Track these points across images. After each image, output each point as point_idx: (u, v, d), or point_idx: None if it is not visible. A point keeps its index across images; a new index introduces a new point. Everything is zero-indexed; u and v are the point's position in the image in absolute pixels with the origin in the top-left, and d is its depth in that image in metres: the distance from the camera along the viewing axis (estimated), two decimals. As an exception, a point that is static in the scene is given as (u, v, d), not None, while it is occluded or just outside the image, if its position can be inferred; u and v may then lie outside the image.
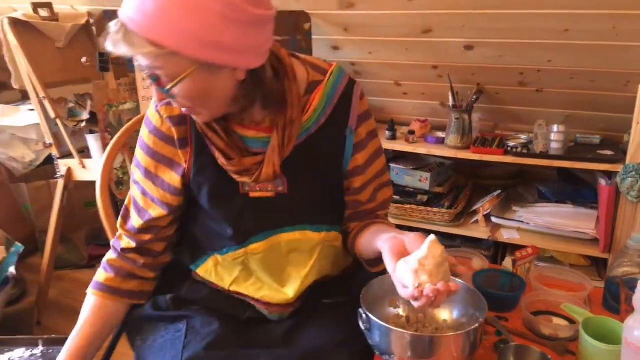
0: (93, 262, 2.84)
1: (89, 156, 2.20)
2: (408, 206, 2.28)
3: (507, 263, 1.36)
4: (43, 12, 2.21)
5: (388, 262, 0.92)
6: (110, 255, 1.14)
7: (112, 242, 1.16)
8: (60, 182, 2.22)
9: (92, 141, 2.15)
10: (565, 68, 1.89)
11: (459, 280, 1.11)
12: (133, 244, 1.11)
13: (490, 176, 2.52)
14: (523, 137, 2.18)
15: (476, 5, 1.71)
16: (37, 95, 2.11)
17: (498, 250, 2.26)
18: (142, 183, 1.09)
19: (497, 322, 1.16)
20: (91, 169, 2.16)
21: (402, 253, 0.91)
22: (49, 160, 2.73)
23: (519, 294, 1.22)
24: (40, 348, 1.30)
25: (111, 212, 1.34)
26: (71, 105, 2.22)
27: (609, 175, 1.93)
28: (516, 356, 1.01)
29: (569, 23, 1.67)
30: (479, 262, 1.42)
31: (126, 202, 1.14)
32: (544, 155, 2.01)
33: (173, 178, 1.06)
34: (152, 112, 1.04)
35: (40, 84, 2.07)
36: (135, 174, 1.10)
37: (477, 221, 2.25)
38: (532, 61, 1.91)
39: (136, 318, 1.20)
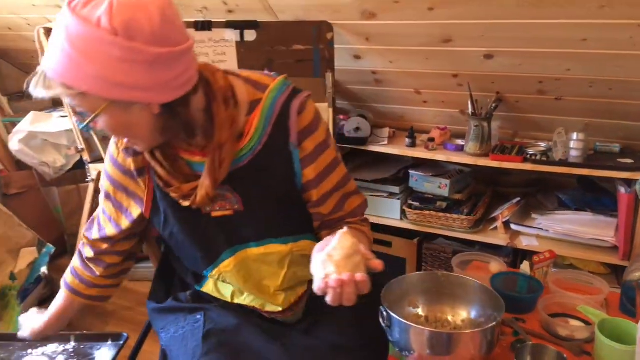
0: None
1: (118, 161, 2.27)
2: (427, 212, 2.31)
3: (525, 267, 1.39)
4: (77, 23, 2.30)
5: (312, 259, 0.94)
6: (76, 260, 1.29)
7: (78, 245, 1.29)
8: (91, 186, 2.31)
9: (122, 147, 2.22)
10: (584, 77, 1.91)
11: (477, 281, 1.15)
12: (92, 253, 1.23)
13: (510, 184, 2.53)
14: (542, 145, 2.20)
15: (496, 15, 1.74)
16: (71, 103, 2.20)
17: (517, 257, 2.27)
18: (102, 202, 1.19)
19: (514, 323, 1.19)
20: (120, 174, 2.24)
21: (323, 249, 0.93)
22: (79, 165, 2.84)
23: (536, 296, 1.25)
24: (72, 344, 1.37)
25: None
26: (102, 112, 2.31)
27: (629, 183, 1.94)
28: (533, 355, 1.04)
29: (588, 32, 1.69)
30: (497, 265, 1.45)
31: (95, 213, 1.25)
32: (563, 162, 2.03)
33: (132, 207, 1.16)
34: (112, 142, 1.13)
35: (74, 91, 2.16)
36: (101, 192, 1.20)
37: (496, 228, 2.26)
38: (551, 70, 1.93)
39: (158, 310, 1.27)
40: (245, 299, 1.18)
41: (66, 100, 0.93)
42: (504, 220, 2.23)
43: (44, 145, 2.80)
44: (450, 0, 1.74)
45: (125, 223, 1.18)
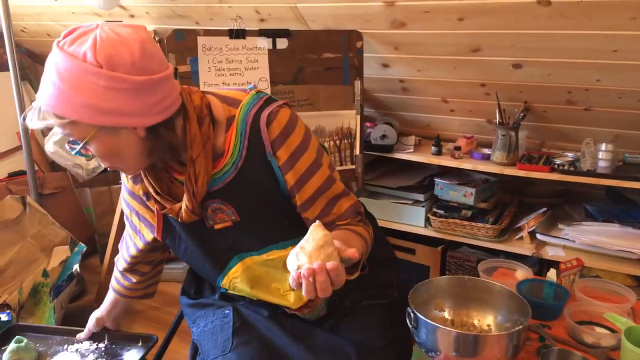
0: (147, 265, 2.98)
1: (150, 163, 2.34)
2: (452, 220, 2.32)
3: (552, 274, 1.39)
4: (114, 30, 2.38)
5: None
6: (115, 271, 1.46)
7: (115, 259, 1.45)
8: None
9: (154, 149, 2.29)
10: (614, 87, 1.90)
11: (504, 286, 1.16)
12: (125, 265, 1.40)
13: (536, 194, 2.52)
14: (570, 155, 2.19)
15: (525, 25, 1.76)
16: (106, 106, 2.27)
17: (542, 267, 2.26)
18: (125, 223, 1.34)
19: (540, 329, 1.20)
20: (152, 176, 2.30)
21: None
22: (111, 167, 2.91)
23: (562, 303, 1.26)
24: (105, 342, 1.43)
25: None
26: (136, 115, 2.38)
27: (658, 195, 1.93)
28: (558, 360, 1.05)
29: (618, 44, 1.69)
30: (523, 273, 1.46)
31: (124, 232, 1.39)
32: (591, 173, 2.02)
33: (144, 230, 1.27)
34: (122, 173, 1.22)
35: (110, 95, 2.23)
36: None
37: (521, 237, 2.26)
38: (581, 80, 1.93)
39: (190, 305, 1.32)
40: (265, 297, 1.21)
41: (59, 130, 1.01)
42: (530, 230, 2.23)
43: (78, 147, 2.89)
44: (480, 10, 1.76)
45: (140, 244, 1.30)
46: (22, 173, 2.79)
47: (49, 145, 2.86)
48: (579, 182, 2.07)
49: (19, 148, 2.82)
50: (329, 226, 1.11)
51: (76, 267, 2.33)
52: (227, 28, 2.05)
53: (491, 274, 1.47)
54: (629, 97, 1.92)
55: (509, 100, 2.16)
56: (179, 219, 1.11)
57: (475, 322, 1.19)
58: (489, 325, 1.17)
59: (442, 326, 1.02)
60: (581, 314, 1.24)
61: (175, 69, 1.98)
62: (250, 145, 1.08)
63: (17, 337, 1.37)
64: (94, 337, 1.45)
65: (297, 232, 1.12)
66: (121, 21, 2.46)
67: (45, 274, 2.25)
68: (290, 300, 1.17)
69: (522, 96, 2.14)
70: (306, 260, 0.86)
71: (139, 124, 0.99)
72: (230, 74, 2.06)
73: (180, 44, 1.98)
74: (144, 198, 1.18)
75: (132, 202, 1.24)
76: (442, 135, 2.43)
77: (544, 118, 2.22)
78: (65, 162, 2.87)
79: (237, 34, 2.03)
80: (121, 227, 2.48)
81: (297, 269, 0.86)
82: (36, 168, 2.83)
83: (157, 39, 2.58)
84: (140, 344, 1.42)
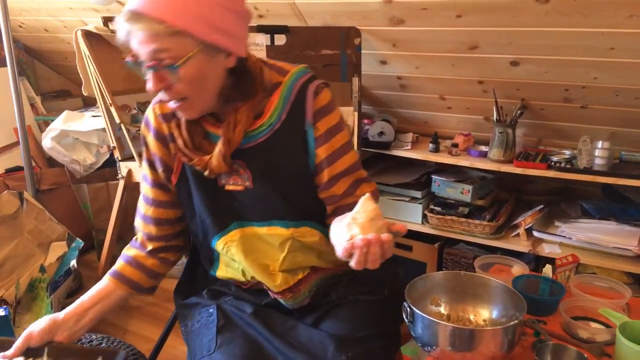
0: (144, 262, 2.98)
1: (148, 159, 2.34)
2: (449, 217, 2.33)
3: (547, 270, 1.40)
4: (112, 26, 2.38)
5: (331, 229, 0.97)
6: (133, 251, 1.26)
7: (132, 243, 1.29)
8: (121, 183, 2.38)
9: (152, 145, 2.29)
10: (611, 85, 1.91)
11: (499, 281, 1.17)
12: (150, 247, 1.25)
13: (533, 191, 2.53)
14: (567, 153, 2.20)
15: (523, 22, 1.76)
16: (104, 102, 2.27)
17: (538, 264, 2.27)
18: (143, 170, 1.23)
19: (536, 324, 1.21)
20: (150, 172, 2.30)
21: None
22: (108, 163, 2.91)
23: (558, 298, 1.27)
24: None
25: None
26: (134, 112, 2.38)
27: (654, 192, 1.94)
28: (553, 355, 1.06)
29: (615, 41, 1.70)
30: (519, 269, 1.47)
31: (144, 212, 1.25)
32: (588, 170, 2.03)
33: (158, 166, 1.18)
34: (149, 109, 1.18)
35: (108, 91, 2.23)
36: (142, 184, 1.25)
37: (518, 235, 2.27)
38: (578, 78, 1.93)
39: (181, 306, 1.31)
40: (252, 278, 1.19)
41: (147, 49, 0.93)
42: (527, 227, 2.24)
43: (75, 143, 2.89)
44: (478, 7, 1.76)
45: (163, 197, 1.21)
46: (19, 169, 2.79)
47: (47, 141, 2.86)
48: (575, 180, 2.08)
49: (16, 144, 2.81)
50: (349, 208, 1.09)
51: (73, 262, 2.33)
52: (225, 24, 2.05)
53: (488, 270, 1.48)
54: (625, 94, 1.92)
55: (506, 97, 2.17)
56: (206, 171, 1.09)
57: (471, 317, 1.19)
58: (484, 320, 1.18)
59: (438, 320, 1.03)
60: (576, 310, 1.25)
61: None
62: (293, 110, 1.10)
63: None
64: (27, 354, 1.11)
65: (303, 214, 1.14)
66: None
67: (42, 269, 2.25)
68: (277, 281, 1.15)
69: (519, 93, 2.15)
70: (359, 232, 0.86)
71: (236, 50, 1.01)
72: (228, 70, 2.07)
73: (178, 40, 1.98)
74: (169, 138, 1.15)
75: (155, 146, 1.17)
76: (439, 133, 2.43)
77: (541, 115, 2.23)
78: (63, 158, 2.87)
79: (235, 30, 2.04)
80: (118, 222, 2.49)
81: (350, 239, 0.86)
82: (33, 164, 2.83)
83: (155, 34, 2.59)
84: None
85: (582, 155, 2.05)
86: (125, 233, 2.92)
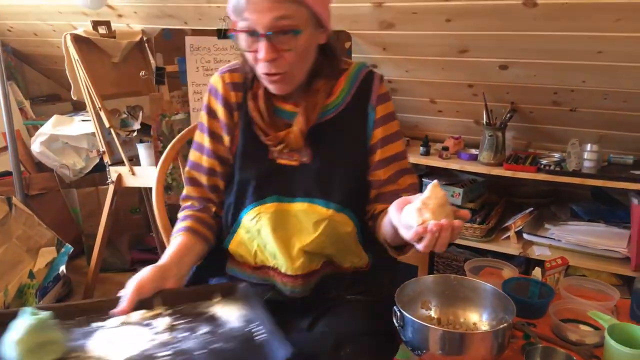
0: (135, 266, 2.96)
1: (138, 164, 2.33)
2: (440, 221, 2.33)
3: (537, 273, 1.40)
4: (102, 30, 2.38)
5: (392, 212, 0.97)
6: (190, 212, 1.24)
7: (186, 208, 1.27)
8: (111, 188, 2.36)
9: (142, 150, 2.28)
10: (599, 88, 1.93)
11: (489, 284, 1.17)
12: (202, 204, 1.26)
13: (523, 194, 2.54)
14: (556, 156, 2.21)
15: (512, 27, 1.77)
16: (94, 106, 2.26)
17: (529, 267, 2.28)
18: (196, 138, 1.26)
19: (525, 327, 1.21)
20: (140, 176, 2.29)
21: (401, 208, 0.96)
22: (98, 168, 2.90)
23: (547, 301, 1.27)
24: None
25: (165, 212, 1.45)
26: (124, 116, 2.37)
27: (642, 194, 1.95)
28: (543, 357, 1.06)
29: (603, 45, 1.72)
30: (509, 272, 1.47)
31: (189, 174, 1.27)
32: (577, 173, 2.04)
33: (223, 136, 1.22)
34: (216, 77, 1.22)
35: (97, 95, 2.22)
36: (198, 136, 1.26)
37: (508, 237, 2.28)
38: (566, 81, 1.95)
39: None
40: (267, 257, 1.19)
41: (268, 15, 0.99)
42: (517, 229, 2.25)
43: (64, 148, 2.87)
44: (467, 12, 1.77)
45: (220, 149, 1.23)
46: (8, 174, 2.76)
47: (36, 146, 2.83)
48: (565, 182, 2.09)
49: (4, 148, 2.79)
50: (394, 196, 1.08)
51: (62, 268, 2.31)
52: (215, 28, 2.05)
53: (478, 273, 1.48)
54: (613, 97, 1.94)
55: (496, 101, 2.18)
56: (284, 146, 1.14)
57: (462, 320, 1.19)
58: (475, 324, 1.18)
59: (428, 324, 1.03)
60: (566, 312, 1.25)
61: (163, 69, 1.98)
62: (358, 93, 1.18)
63: (29, 309, 0.88)
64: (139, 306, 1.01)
65: (346, 200, 1.16)
66: (108, 21, 2.45)
67: (31, 275, 2.23)
68: (296, 264, 1.14)
69: (509, 97, 2.16)
70: (430, 216, 0.89)
71: (329, 25, 1.09)
72: (219, 74, 2.06)
73: (168, 44, 1.98)
74: (235, 106, 1.20)
75: (218, 109, 1.21)
76: (430, 136, 2.44)
77: (530, 119, 2.24)
78: (52, 163, 2.85)
79: (226, 33, 2.03)
80: (108, 227, 2.47)
81: (422, 223, 0.89)
82: (22, 168, 2.81)
83: (144, 39, 2.58)
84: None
85: (571, 158, 2.06)
86: (115, 238, 2.90)
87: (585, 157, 2.02)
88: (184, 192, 1.28)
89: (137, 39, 2.54)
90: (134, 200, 3.00)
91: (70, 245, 2.39)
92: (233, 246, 1.23)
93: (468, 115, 2.37)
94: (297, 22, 1.01)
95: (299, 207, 1.16)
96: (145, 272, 1.04)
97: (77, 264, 2.98)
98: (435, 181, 0.95)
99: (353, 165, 1.19)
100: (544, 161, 2.15)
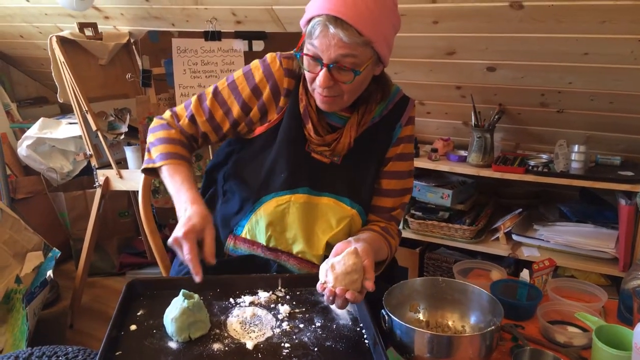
0: (123, 270, 2.94)
1: (125, 167, 2.31)
2: (429, 222, 2.33)
3: (525, 274, 1.41)
4: (88, 32, 2.36)
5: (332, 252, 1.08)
6: (170, 132, 1.26)
7: (164, 117, 1.31)
8: (98, 191, 2.34)
9: (130, 153, 2.26)
10: (586, 90, 1.93)
11: (477, 287, 1.17)
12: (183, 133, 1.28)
13: (512, 195, 2.55)
14: (544, 157, 2.22)
15: (498, 28, 1.78)
16: (80, 109, 2.24)
17: (518, 268, 2.28)
18: (223, 92, 1.27)
19: (513, 329, 1.21)
20: (127, 179, 2.27)
21: (339, 253, 1.06)
22: (86, 171, 2.87)
23: (535, 303, 1.27)
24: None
25: (151, 214, 1.43)
26: (111, 118, 2.35)
27: (629, 195, 1.96)
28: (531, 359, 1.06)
29: (588, 47, 1.72)
30: (497, 274, 1.47)
31: (186, 105, 1.30)
32: (565, 174, 2.05)
33: (254, 110, 1.25)
34: (274, 58, 1.26)
35: (84, 98, 2.20)
36: (221, 84, 1.28)
37: (497, 238, 2.28)
38: (553, 83, 1.96)
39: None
40: (283, 242, 1.25)
41: (336, 50, 1.06)
42: (506, 230, 2.25)
43: (51, 151, 2.84)
44: (454, 14, 1.78)
45: (243, 119, 1.26)
46: (-6, 177, 2.73)
47: (22, 149, 2.81)
48: (553, 183, 2.10)
49: (-10, 152, 2.76)
50: (381, 212, 1.31)
51: (50, 273, 2.28)
52: (202, 30, 2.04)
53: (467, 275, 1.48)
54: (600, 99, 1.95)
55: (484, 102, 2.18)
56: (332, 149, 1.23)
57: (450, 323, 1.19)
58: (463, 326, 1.18)
59: (415, 328, 1.02)
60: (553, 314, 1.25)
61: (150, 71, 1.96)
62: (392, 110, 1.28)
63: (183, 291, 1.03)
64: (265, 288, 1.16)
65: (364, 201, 1.28)
66: (95, 23, 2.43)
67: (18, 280, 2.20)
68: (318, 252, 1.24)
69: (496, 98, 2.17)
70: (332, 280, 0.99)
71: (387, 62, 1.16)
72: (206, 76, 2.05)
73: (155, 46, 1.97)
74: (284, 92, 1.23)
75: (264, 88, 1.24)
76: (419, 138, 2.44)
77: (518, 120, 2.25)
78: (39, 166, 2.82)
79: (213, 35, 2.03)
80: (96, 231, 2.45)
81: (324, 283, 1.01)
82: (9, 172, 2.78)
83: (132, 41, 2.56)
84: None
85: (559, 159, 2.07)
86: (103, 241, 2.88)
87: (573, 158, 2.03)
88: (177, 110, 1.30)
89: (124, 41, 2.52)
90: (122, 204, 2.98)
91: (57, 250, 2.36)
92: (245, 232, 1.27)
93: (456, 116, 2.38)
94: (360, 61, 1.08)
95: (326, 201, 1.25)
96: (196, 218, 1.07)
97: (65, 268, 2.95)
98: (353, 247, 1.03)
99: (375, 171, 1.29)
100: (532, 162, 2.16)
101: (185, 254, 1.03)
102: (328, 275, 1.00)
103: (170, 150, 1.22)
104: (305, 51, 1.12)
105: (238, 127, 1.28)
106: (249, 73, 1.26)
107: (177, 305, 1.00)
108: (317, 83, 1.12)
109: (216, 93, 1.27)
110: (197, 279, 1.03)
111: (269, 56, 1.26)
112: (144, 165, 1.26)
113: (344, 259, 1.00)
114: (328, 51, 1.07)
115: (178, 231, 1.04)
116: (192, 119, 1.27)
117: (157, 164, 1.21)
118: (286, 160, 1.23)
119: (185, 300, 1.00)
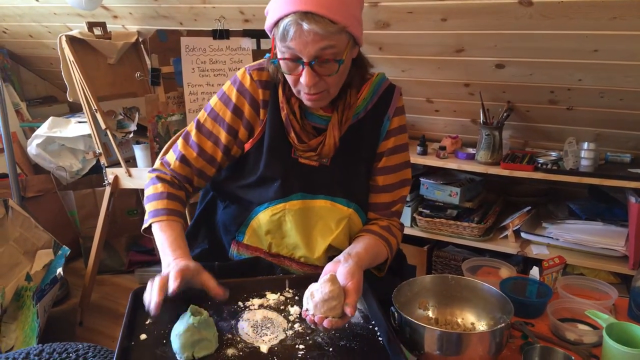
0: (132, 268, 2.96)
1: (134, 165, 2.32)
2: (437, 220, 2.33)
3: (534, 272, 1.40)
4: (97, 31, 2.37)
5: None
6: (166, 187, 1.24)
7: (155, 168, 1.31)
8: (108, 189, 2.35)
9: (139, 151, 2.27)
10: (595, 87, 1.92)
11: (487, 284, 1.17)
12: (176, 178, 1.27)
13: (520, 193, 2.54)
14: (553, 155, 2.21)
15: (507, 25, 1.77)
16: (90, 108, 2.25)
17: (527, 266, 2.27)
18: (206, 123, 1.26)
19: (523, 327, 1.21)
20: (136, 177, 2.29)
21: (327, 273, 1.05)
22: (95, 169, 2.89)
23: (545, 301, 1.27)
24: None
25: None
26: (120, 117, 2.36)
27: (639, 193, 1.95)
28: (541, 357, 1.06)
29: (598, 44, 1.71)
30: (506, 271, 1.47)
31: (174, 150, 1.29)
32: (574, 172, 2.04)
33: (241, 131, 1.25)
34: (244, 74, 1.24)
35: (93, 97, 2.21)
36: (201, 116, 1.27)
37: (506, 236, 2.28)
38: (563, 80, 1.95)
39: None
40: (284, 248, 1.25)
41: (314, 45, 1.03)
42: (515, 228, 2.24)
43: (61, 149, 2.86)
44: (463, 11, 1.77)
45: (233, 144, 1.25)
46: (4, 176, 2.75)
47: (32, 148, 2.83)
48: (562, 181, 2.09)
49: (1, 151, 2.78)
50: (380, 208, 1.30)
51: (60, 270, 2.30)
52: (210, 28, 2.04)
53: (475, 272, 1.48)
54: (610, 96, 1.94)
55: (492, 100, 2.17)
56: (319, 152, 1.21)
57: (459, 320, 1.19)
58: (472, 324, 1.18)
59: (425, 325, 1.02)
60: (563, 311, 1.25)
61: (159, 70, 1.97)
62: (378, 103, 1.25)
63: (192, 306, 1.01)
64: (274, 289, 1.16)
65: (360, 199, 1.27)
66: (104, 23, 2.44)
67: (28, 278, 2.22)
68: (320, 256, 1.23)
69: (505, 96, 2.16)
70: (312, 308, 1.00)
71: (362, 42, 1.13)
72: (215, 75, 2.05)
73: (163, 45, 1.97)
74: (261, 104, 1.22)
75: (239, 101, 1.23)
76: (427, 135, 2.44)
77: (527, 117, 2.24)
78: (49, 165, 2.84)
79: (221, 34, 2.03)
80: (105, 229, 2.46)
81: (306, 310, 1.01)
82: (19, 171, 2.80)
83: (140, 40, 2.57)
84: None
85: (568, 156, 2.06)
86: (112, 239, 2.89)
87: (583, 155, 2.02)
88: (166, 157, 1.29)
89: (133, 40, 2.53)
90: (131, 202, 2.99)
91: (67, 248, 2.38)
92: (246, 237, 1.28)
93: (465, 114, 2.37)
94: (339, 50, 1.06)
95: (321, 204, 1.24)
96: (185, 264, 1.05)
97: (74, 266, 2.97)
98: (330, 275, 1.02)
99: (366, 167, 1.27)
100: (541, 160, 2.15)
101: (155, 282, 0.99)
102: (308, 302, 1.01)
103: (158, 207, 1.19)
104: (281, 55, 1.09)
105: (231, 152, 1.27)
106: (224, 96, 1.25)
107: (183, 321, 0.97)
108: (303, 83, 1.09)
109: (200, 126, 1.26)
110: (153, 311, 0.97)
111: (238, 73, 1.25)
112: (143, 227, 1.23)
113: (322, 287, 1.00)
114: (307, 49, 1.04)
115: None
116: (182, 159, 1.26)
117: (146, 224, 1.20)
118: (275, 170, 1.22)
119: (192, 317, 0.96)
